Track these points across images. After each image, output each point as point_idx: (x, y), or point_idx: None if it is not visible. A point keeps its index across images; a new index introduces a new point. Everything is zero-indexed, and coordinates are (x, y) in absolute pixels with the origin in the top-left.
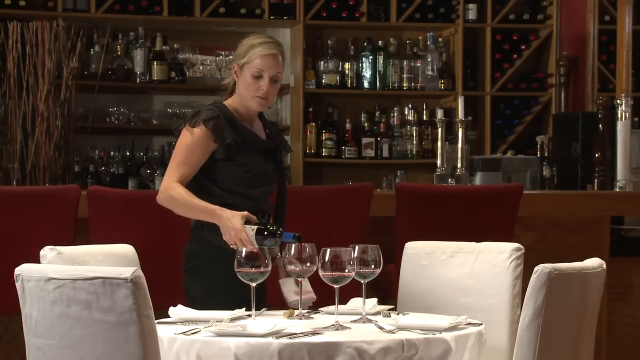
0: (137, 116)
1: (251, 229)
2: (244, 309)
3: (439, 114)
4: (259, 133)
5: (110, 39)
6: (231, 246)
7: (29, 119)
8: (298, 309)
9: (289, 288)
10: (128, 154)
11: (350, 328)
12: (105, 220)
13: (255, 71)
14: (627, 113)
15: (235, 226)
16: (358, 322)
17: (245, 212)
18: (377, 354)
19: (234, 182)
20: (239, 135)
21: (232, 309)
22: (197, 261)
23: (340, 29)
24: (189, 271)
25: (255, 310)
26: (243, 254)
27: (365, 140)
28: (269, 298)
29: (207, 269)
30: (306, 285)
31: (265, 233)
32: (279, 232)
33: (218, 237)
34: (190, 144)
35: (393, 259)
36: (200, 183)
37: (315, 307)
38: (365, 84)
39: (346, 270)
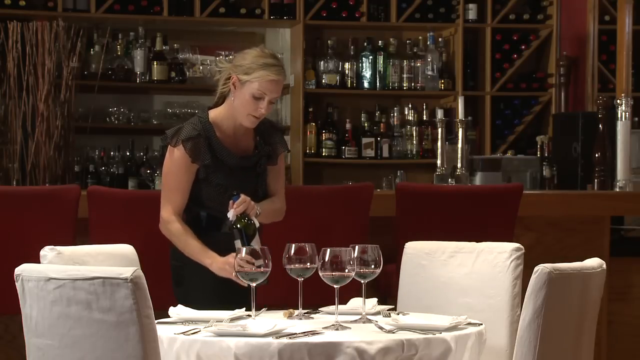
0: (137, 116)
1: (236, 246)
2: (244, 308)
3: (439, 114)
4: (247, 143)
5: (110, 39)
6: (240, 279)
7: (29, 119)
8: (297, 311)
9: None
10: (128, 154)
11: (350, 328)
12: (105, 220)
13: (257, 92)
14: (627, 113)
15: (229, 261)
16: (358, 322)
17: (231, 258)
18: (377, 354)
19: (211, 200)
20: (217, 156)
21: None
22: (175, 261)
23: (340, 29)
24: (172, 270)
25: (256, 310)
26: (243, 254)
27: (365, 140)
28: (268, 298)
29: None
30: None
31: (238, 231)
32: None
33: None
34: (174, 169)
35: (393, 259)
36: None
37: (315, 307)
38: (365, 84)
39: (346, 270)
